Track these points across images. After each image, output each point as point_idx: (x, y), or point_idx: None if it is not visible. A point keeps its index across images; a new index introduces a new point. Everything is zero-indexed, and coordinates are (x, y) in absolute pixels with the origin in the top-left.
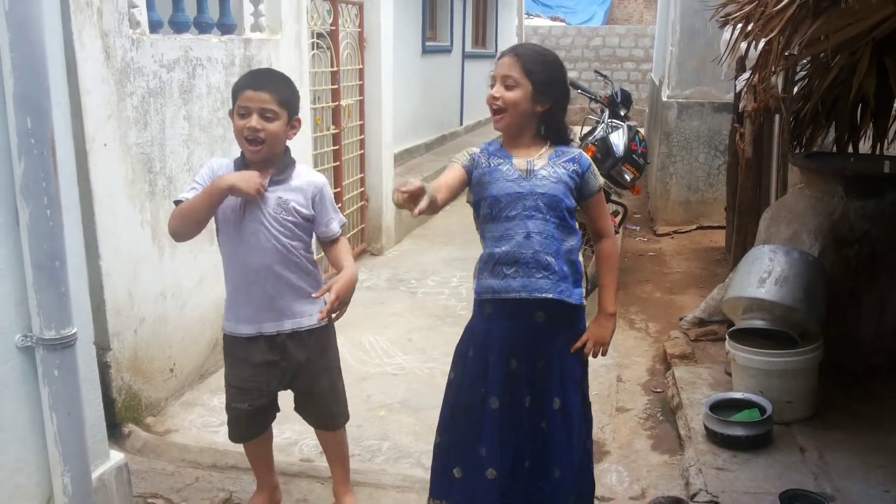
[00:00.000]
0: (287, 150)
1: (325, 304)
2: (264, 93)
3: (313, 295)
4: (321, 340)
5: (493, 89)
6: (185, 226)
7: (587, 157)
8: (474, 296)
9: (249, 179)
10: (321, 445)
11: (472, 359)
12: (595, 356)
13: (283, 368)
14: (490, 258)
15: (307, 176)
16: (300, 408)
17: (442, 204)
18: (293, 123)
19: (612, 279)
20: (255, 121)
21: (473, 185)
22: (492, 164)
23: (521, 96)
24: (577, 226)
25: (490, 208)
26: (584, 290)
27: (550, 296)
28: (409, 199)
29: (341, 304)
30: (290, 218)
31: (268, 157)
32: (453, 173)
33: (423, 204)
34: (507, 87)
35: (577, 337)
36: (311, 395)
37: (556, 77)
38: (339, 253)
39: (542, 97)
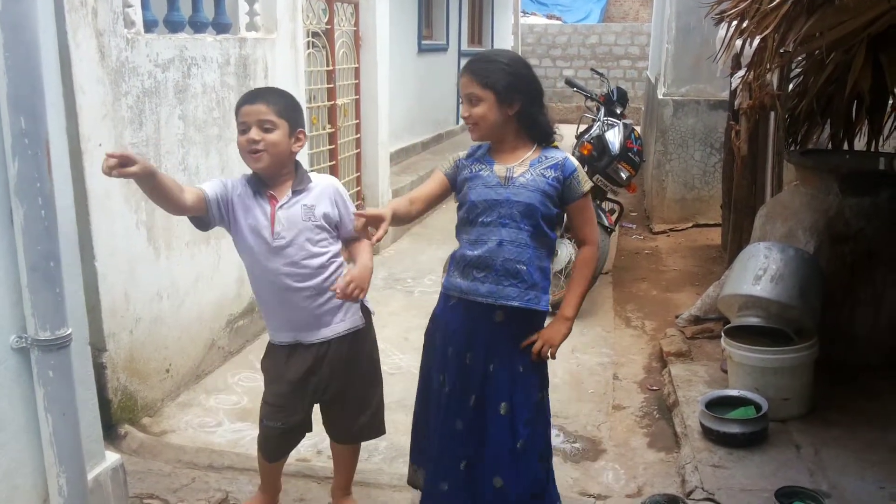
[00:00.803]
0: (298, 163)
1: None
2: (259, 105)
3: (330, 288)
4: (358, 345)
5: (462, 108)
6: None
7: (573, 162)
8: (441, 289)
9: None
10: (332, 453)
11: (433, 345)
12: (543, 358)
13: (318, 380)
14: (462, 259)
15: (321, 181)
16: (328, 421)
17: (416, 214)
18: (297, 135)
19: (581, 285)
20: (253, 133)
21: (457, 189)
22: (473, 170)
23: (487, 108)
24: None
25: (467, 213)
26: (549, 297)
27: (516, 304)
28: (364, 226)
29: (356, 286)
30: (318, 224)
31: (273, 169)
32: (434, 183)
33: (380, 233)
34: (472, 104)
35: (536, 333)
36: (341, 404)
37: (516, 76)
38: (360, 248)
39: (508, 100)
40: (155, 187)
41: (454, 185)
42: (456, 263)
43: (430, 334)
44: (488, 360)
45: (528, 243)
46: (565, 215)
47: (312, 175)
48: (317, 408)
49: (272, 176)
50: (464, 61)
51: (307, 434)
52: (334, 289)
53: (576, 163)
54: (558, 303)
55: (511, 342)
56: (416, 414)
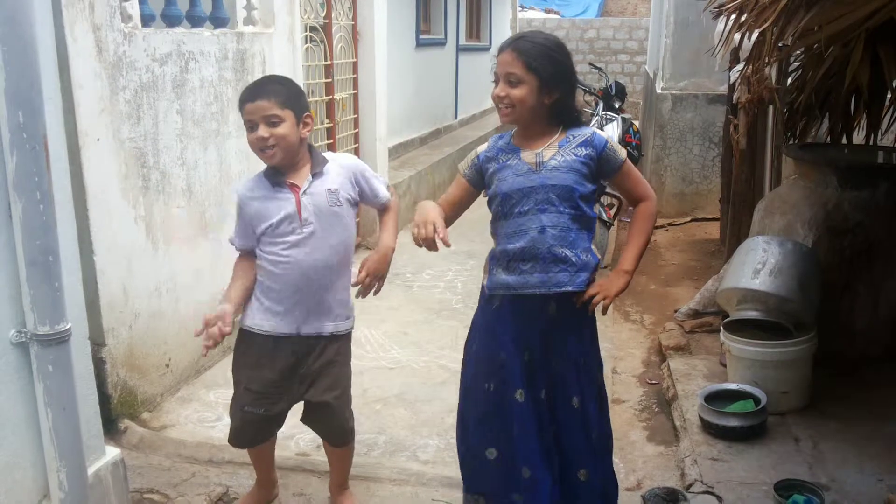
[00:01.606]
0: (310, 146)
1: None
2: (261, 101)
3: (352, 283)
4: (345, 346)
5: (496, 87)
6: None
7: (602, 135)
8: (484, 291)
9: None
10: (325, 450)
11: (480, 355)
12: (596, 308)
13: (301, 375)
14: (504, 254)
15: (337, 161)
16: (311, 419)
17: (448, 221)
18: (305, 121)
19: (640, 239)
20: (261, 130)
21: (486, 185)
22: (501, 161)
23: (527, 92)
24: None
25: (501, 205)
26: (598, 265)
27: (570, 289)
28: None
29: (373, 279)
30: (343, 206)
31: (288, 160)
32: (456, 189)
33: (441, 234)
34: (511, 85)
35: (591, 325)
36: (326, 407)
37: (561, 65)
38: (384, 222)
39: (550, 89)
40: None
41: (478, 185)
42: (497, 261)
43: (474, 348)
44: (549, 358)
45: (570, 226)
46: (606, 187)
47: (328, 155)
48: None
49: (289, 165)
50: (462, 56)
51: (307, 428)
52: (356, 283)
53: (605, 134)
54: None
55: (568, 333)
56: (466, 441)
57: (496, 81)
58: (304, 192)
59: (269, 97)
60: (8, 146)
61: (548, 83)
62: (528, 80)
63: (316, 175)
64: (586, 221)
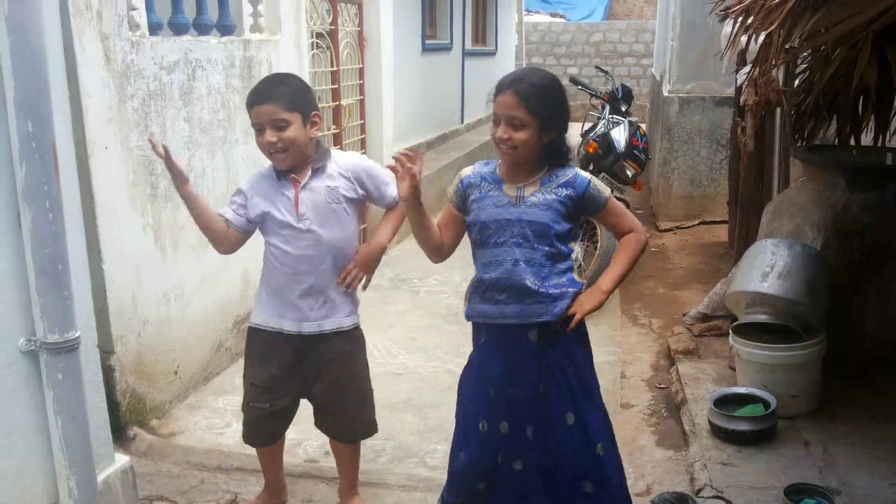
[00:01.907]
0: (318, 142)
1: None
2: (268, 104)
3: (337, 280)
4: (350, 344)
5: (499, 129)
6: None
7: (584, 175)
8: (466, 319)
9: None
10: (333, 453)
11: (471, 391)
12: (567, 322)
13: (305, 371)
14: (480, 283)
15: (343, 160)
16: (321, 422)
17: (449, 245)
18: (313, 120)
19: (623, 265)
20: (269, 135)
21: (467, 211)
22: (483, 190)
23: (530, 135)
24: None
25: (479, 234)
26: (581, 288)
27: (546, 319)
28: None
29: (361, 271)
30: (343, 205)
31: (298, 161)
32: (447, 216)
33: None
34: (514, 128)
35: (578, 337)
36: (334, 405)
37: (558, 104)
38: (386, 218)
39: (549, 129)
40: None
41: (463, 210)
42: (475, 288)
43: (466, 382)
44: (539, 383)
45: (543, 262)
46: (613, 191)
47: (335, 153)
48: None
49: (298, 165)
50: (468, 61)
51: (315, 434)
52: (344, 274)
53: (587, 174)
54: None
55: (556, 356)
56: (460, 478)
57: (496, 122)
58: (304, 186)
59: (275, 101)
60: (17, 155)
61: (547, 124)
62: (530, 122)
63: (316, 170)
64: (561, 257)
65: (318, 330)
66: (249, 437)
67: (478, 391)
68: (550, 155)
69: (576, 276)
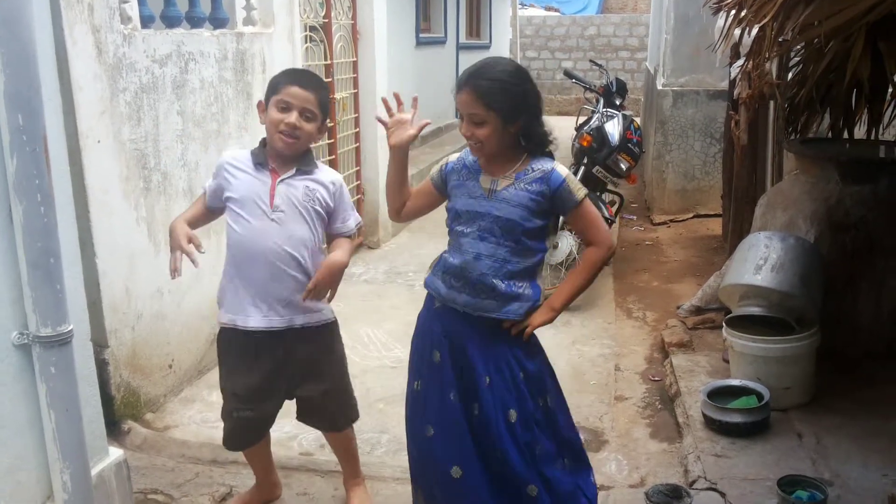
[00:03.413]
0: (310, 150)
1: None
2: (310, 92)
3: (303, 296)
4: (327, 339)
5: (462, 126)
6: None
7: (560, 173)
8: (424, 286)
9: (177, 240)
10: (329, 444)
11: (419, 354)
12: (515, 333)
13: (289, 372)
14: (444, 264)
15: (328, 173)
16: (305, 415)
17: (406, 196)
18: (321, 128)
19: (577, 280)
20: (294, 118)
21: (448, 196)
22: (462, 177)
23: (492, 129)
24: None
25: (451, 220)
26: (539, 300)
27: (494, 315)
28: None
29: (325, 284)
30: (316, 207)
31: (296, 154)
32: (424, 186)
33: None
34: (476, 125)
35: (527, 348)
36: (319, 397)
37: (520, 95)
38: (341, 243)
39: (513, 120)
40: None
41: (442, 191)
42: (439, 263)
43: (416, 341)
44: (485, 371)
45: (508, 259)
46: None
47: (323, 166)
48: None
49: (289, 157)
50: (462, 54)
51: (311, 429)
52: (307, 291)
53: (564, 172)
54: None
55: (504, 347)
56: (418, 453)
57: (460, 118)
58: (282, 180)
59: (315, 92)
60: (8, 148)
61: (509, 116)
62: (490, 118)
63: (300, 171)
64: (529, 255)
65: (288, 325)
66: (230, 442)
67: (426, 354)
68: (526, 143)
69: (563, 272)
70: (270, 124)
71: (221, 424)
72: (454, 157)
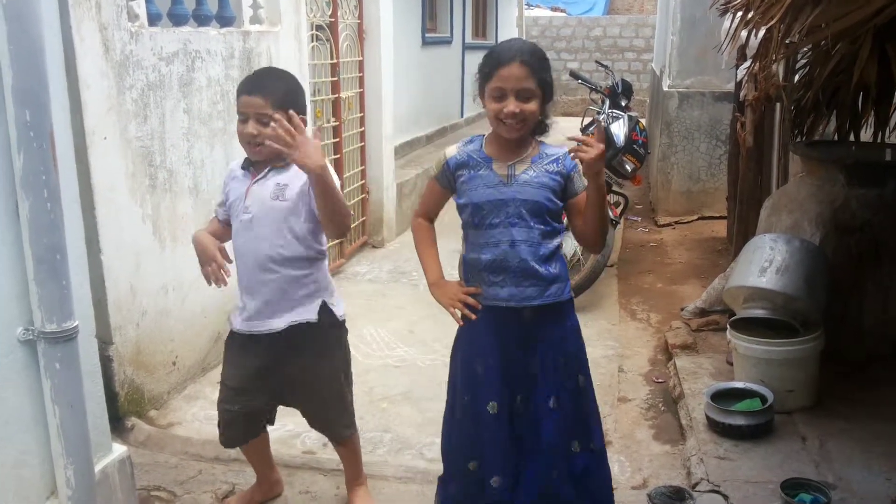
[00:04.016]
0: None
1: (323, 305)
2: (257, 97)
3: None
4: (323, 343)
5: (508, 103)
6: None
7: (572, 158)
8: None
9: (204, 255)
10: (332, 446)
11: (463, 364)
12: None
13: (280, 375)
14: (476, 264)
15: None
16: (309, 420)
17: (433, 213)
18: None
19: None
20: (251, 126)
21: (457, 192)
22: (472, 169)
23: (536, 106)
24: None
25: (472, 215)
26: (570, 283)
27: (538, 303)
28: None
29: (293, 132)
30: (286, 204)
31: (272, 156)
32: (431, 195)
33: None
34: (525, 100)
35: (570, 332)
36: (317, 404)
37: (551, 73)
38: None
39: (549, 100)
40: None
41: (450, 188)
42: (469, 268)
43: (457, 354)
44: (526, 362)
45: (541, 241)
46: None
47: None
48: None
49: (264, 161)
50: (468, 54)
51: (312, 427)
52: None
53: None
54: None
55: (543, 336)
56: (452, 452)
57: (500, 97)
58: (257, 180)
59: (265, 94)
60: (15, 144)
61: (549, 95)
62: (537, 93)
63: (276, 167)
64: (555, 234)
65: (282, 327)
66: (223, 437)
67: (467, 367)
68: (541, 125)
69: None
70: (239, 137)
71: None
72: (452, 150)
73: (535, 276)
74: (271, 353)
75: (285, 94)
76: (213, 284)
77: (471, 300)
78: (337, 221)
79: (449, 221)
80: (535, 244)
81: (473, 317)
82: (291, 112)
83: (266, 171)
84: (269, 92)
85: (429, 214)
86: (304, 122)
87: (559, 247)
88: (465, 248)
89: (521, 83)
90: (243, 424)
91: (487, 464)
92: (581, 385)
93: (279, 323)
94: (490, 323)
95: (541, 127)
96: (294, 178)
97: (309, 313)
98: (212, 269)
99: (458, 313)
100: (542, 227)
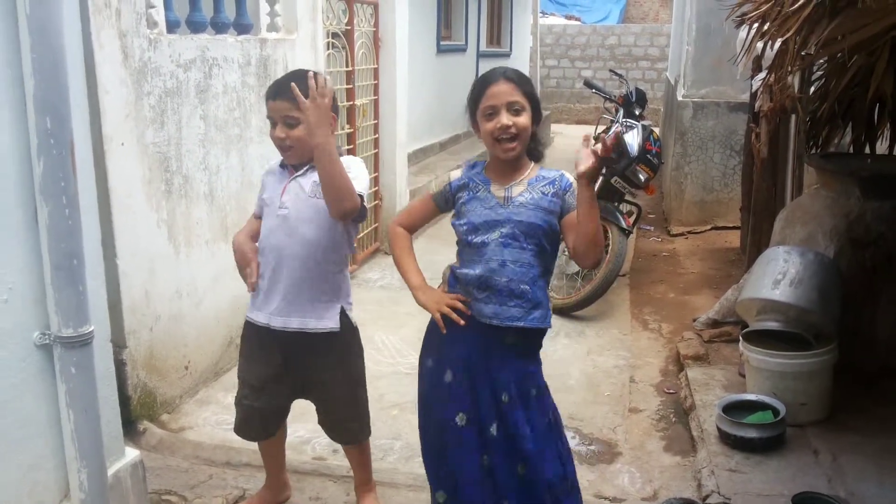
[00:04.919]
0: None
1: (342, 312)
2: (282, 101)
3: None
4: (337, 351)
5: (501, 117)
6: None
7: (570, 178)
8: None
9: (243, 259)
10: (343, 451)
11: (431, 371)
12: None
13: (297, 376)
14: (463, 278)
15: (345, 162)
16: (320, 421)
17: (411, 231)
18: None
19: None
20: (279, 130)
21: (455, 213)
22: (471, 191)
23: (527, 120)
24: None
25: (466, 233)
26: (550, 312)
27: (521, 324)
28: None
29: (317, 98)
30: (321, 201)
31: (304, 158)
32: (421, 205)
33: None
34: (516, 113)
35: (537, 365)
36: (329, 407)
37: (536, 92)
38: None
39: (537, 118)
40: None
41: (444, 209)
42: (456, 280)
43: (424, 359)
44: (498, 389)
45: (532, 262)
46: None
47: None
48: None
49: (297, 162)
50: (483, 62)
51: (324, 434)
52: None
53: (572, 178)
54: (570, 306)
55: (518, 364)
56: (429, 445)
57: (492, 115)
58: (295, 177)
59: (288, 98)
60: (35, 152)
61: (536, 112)
62: (526, 106)
63: (313, 166)
64: (548, 260)
65: (300, 328)
66: (242, 430)
67: (436, 373)
68: (531, 149)
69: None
70: (272, 141)
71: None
72: (455, 174)
73: (520, 296)
74: (290, 352)
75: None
76: (244, 282)
77: (459, 305)
78: (335, 197)
79: (434, 233)
80: (525, 265)
81: (462, 322)
82: (320, 75)
83: (304, 169)
84: (291, 96)
85: (410, 226)
86: (336, 120)
87: (549, 272)
88: (458, 262)
89: (509, 97)
90: (265, 420)
91: (458, 474)
92: (553, 421)
93: (299, 323)
94: (468, 336)
95: (535, 153)
96: None
97: (331, 321)
98: (247, 273)
99: (442, 318)
100: (535, 248)
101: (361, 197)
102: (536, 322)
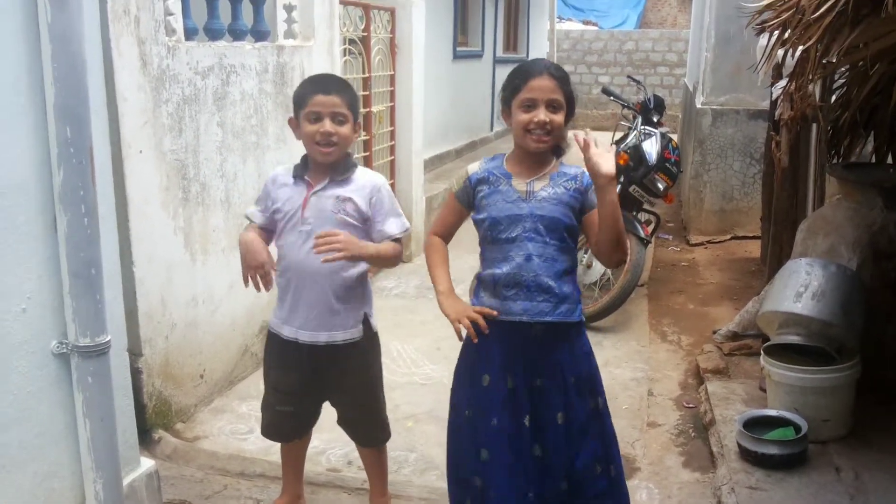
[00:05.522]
0: (349, 153)
1: (365, 318)
2: (335, 97)
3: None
4: (360, 357)
5: (539, 112)
6: None
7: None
8: None
9: (254, 258)
10: (360, 457)
11: (467, 379)
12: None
13: (319, 384)
14: (490, 279)
15: (366, 177)
16: (342, 422)
17: (447, 241)
18: (356, 128)
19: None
20: (328, 125)
21: (475, 208)
22: (492, 185)
23: (563, 118)
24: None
25: (489, 230)
26: (581, 306)
27: (550, 319)
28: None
29: (342, 243)
30: (346, 218)
31: (338, 160)
32: (450, 212)
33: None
34: (554, 110)
35: (580, 355)
36: (352, 412)
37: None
38: (382, 243)
39: (570, 115)
40: None
41: (469, 205)
42: (484, 284)
43: (462, 367)
44: (534, 377)
45: (556, 257)
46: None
47: (360, 169)
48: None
49: (331, 165)
50: (499, 68)
51: (339, 443)
52: (322, 235)
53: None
54: (588, 317)
55: (553, 355)
56: (456, 457)
57: (529, 107)
58: (315, 192)
59: (341, 95)
60: (55, 160)
61: (571, 111)
62: (564, 107)
63: (334, 181)
64: (571, 254)
65: (328, 341)
66: (269, 433)
67: (476, 378)
68: (555, 148)
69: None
70: (306, 137)
71: (250, 437)
72: (474, 167)
73: (547, 290)
74: (315, 362)
75: (352, 98)
76: (253, 288)
77: (480, 320)
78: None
79: (474, 234)
80: (549, 259)
81: (475, 337)
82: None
83: (325, 182)
84: (343, 93)
85: (444, 233)
86: (360, 126)
87: (574, 267)
88: (481, 266)
89: (551, 94)
90: (298, 422)
91: (491, 481)
92: (599, 408)
93: (328, 337)
94: (502, 338)
95: (558, 149)
96: (356, 193)
97: (357, 331)
98: (259, 273)
99: (463, 330)
100: (558, 243)
101: (405, 229)
102: (563, 316)
